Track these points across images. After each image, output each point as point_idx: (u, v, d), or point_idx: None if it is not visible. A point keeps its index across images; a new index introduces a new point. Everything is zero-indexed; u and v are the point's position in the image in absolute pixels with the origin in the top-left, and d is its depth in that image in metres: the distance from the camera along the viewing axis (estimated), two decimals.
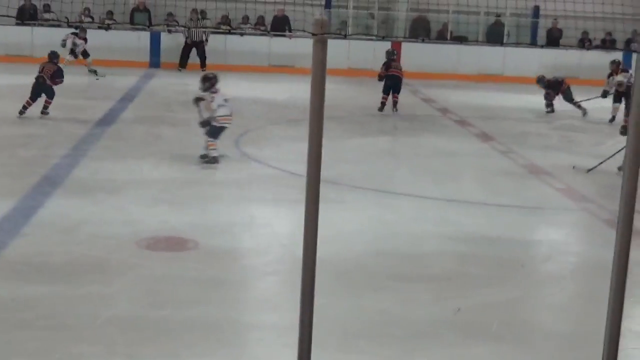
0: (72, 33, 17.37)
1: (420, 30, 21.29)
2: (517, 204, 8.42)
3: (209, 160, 9.24)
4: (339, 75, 17.49)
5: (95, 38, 18.39)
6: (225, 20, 20.13)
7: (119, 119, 12.40)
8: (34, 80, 11.91)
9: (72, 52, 17.39)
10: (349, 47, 19.10)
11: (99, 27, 19.57)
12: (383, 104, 14.51)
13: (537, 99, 15.64)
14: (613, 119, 14.14)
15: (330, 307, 4.89)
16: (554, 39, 20.85)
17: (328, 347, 4.47)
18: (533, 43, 21.84)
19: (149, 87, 16.62)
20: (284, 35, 19.92)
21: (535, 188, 9.29)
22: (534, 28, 22.29)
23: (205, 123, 9.28)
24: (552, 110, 15.17)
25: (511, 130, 13.30)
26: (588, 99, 14.72)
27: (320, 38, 3.48)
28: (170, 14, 19.61)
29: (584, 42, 20.47)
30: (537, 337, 5.14)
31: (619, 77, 14.18)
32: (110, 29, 19.61)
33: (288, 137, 11.51)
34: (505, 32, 21.67)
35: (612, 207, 7.15)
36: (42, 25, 19.33)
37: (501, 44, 20.92)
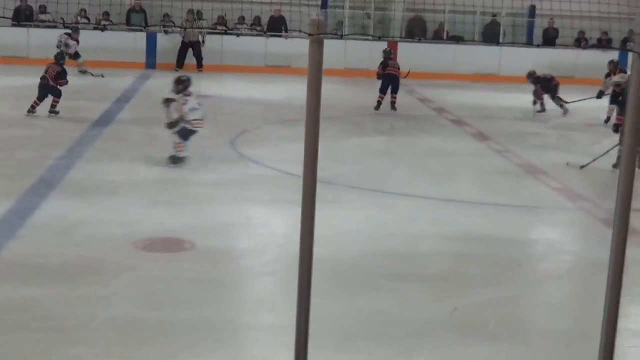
0: (65, 33, 17.30)
1: (417, 30, 21.29)
2: (514, 203, 8.43)
3: (176, 160, 9.20)
4: (336, 76, 17.50)
5: (92, 39, 18.39)
6: (222, 20, 20.15)
7: (115, 120, 12.37)
8: (39, 80, 11.99)
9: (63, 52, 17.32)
10: (345, 47, 19.12)
11: (95, 28, 19.59)
12: (379, 102, 14.52)
13: (533, 98, 15.63)
14: (608, 119, 14.11)
15: (326, 307, 4.89)
16: (550, 39, 20.88)
17: (324, 347, 4.48)
18: (529, 42, 21.87)
19: (145, 88, 16.57)
20: (280, 36, 19.92)
21: (531, 187, 9.31)
22: (530, 27, 22.33)
23: (173, 124, 9.24)
24: (543, 110, 15.06)
25: (507, 130, 13.31)
26: (583, 99, 14.64)
27: (317, 38, 3.48)
28: (166, 15, 19.60)
29: (580, 42, 20.49)
30: (533, 335, 5.16)
31: (617, 78, 14.14)
32: (107, 29, 19.62)
33: (284, 137, 11.50)
34: (501, 31, 21.66)
35: (608, 205, 7.17)
36: (38, 26, 19.30)
37: (497, 43, 20.95)
